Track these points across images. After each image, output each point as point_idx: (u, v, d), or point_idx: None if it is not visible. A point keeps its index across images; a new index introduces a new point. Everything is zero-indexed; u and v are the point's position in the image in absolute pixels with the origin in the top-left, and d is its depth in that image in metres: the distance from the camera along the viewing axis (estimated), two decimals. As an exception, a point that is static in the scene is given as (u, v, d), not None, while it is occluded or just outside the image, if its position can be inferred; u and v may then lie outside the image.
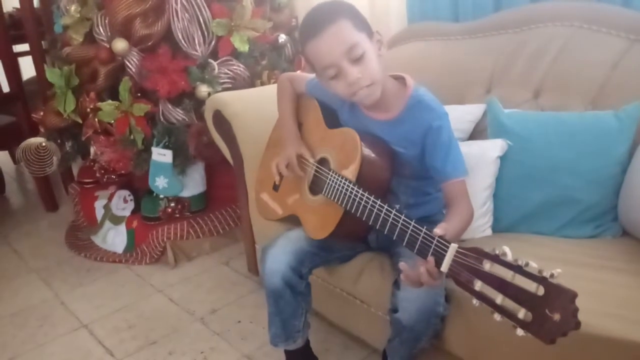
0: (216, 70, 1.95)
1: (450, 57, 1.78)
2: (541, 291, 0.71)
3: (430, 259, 0.91)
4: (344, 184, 1.14)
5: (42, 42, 2.56)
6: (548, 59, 1.53)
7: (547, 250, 1.25)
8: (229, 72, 1.98)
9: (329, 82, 1.13)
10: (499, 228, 1.39)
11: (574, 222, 1.32)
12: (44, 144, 2.22)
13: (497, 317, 0.77)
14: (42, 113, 2.22)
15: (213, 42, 1.96)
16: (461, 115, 1.57)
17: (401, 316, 1.09)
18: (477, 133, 1.57)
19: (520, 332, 0.73)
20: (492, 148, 1.38)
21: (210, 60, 1.96)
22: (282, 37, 2.15)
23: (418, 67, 1.81)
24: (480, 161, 1.37)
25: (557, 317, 0.69)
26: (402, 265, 0.98)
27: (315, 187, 1.29)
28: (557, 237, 1.32)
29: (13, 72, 2.65)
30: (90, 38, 2.01)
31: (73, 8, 1.98)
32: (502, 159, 1.37)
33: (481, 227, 1.38)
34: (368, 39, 1.10)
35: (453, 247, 0.87)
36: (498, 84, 1.64)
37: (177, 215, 2.16)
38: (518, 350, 1.05)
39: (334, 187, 1.17)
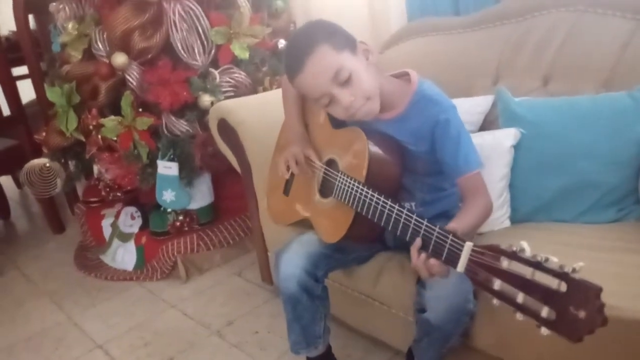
0: (218, 79, 1.93)
1: (453, 51, 1.76)
2: (564, 287, 0.67)
3: (417, 240, 0.92)
4: (353, 185, 1.11)
5: (41, 64, 2.55)
6: (555, 45, 1.51)
7: (568, 237, 1.22)
8: (230, 80, 1.96)
9: (327, 108, 1.12)
10: (517, 218, 1.36)
11: (595, 207, 1.28)
12: (47, 165, 2.21)
13: (519, 316, 0.74)
14: (44, 133, 2.20)
15: (213, 51, 1.94)
16: (469, 108, 1.55)
17: (430, 316, 1.05)
18: (487, 124, 1.54)
19: (544, 331, 0.70)
20: (505, 137, 1.35)
21: (212, 70, 1.94)
22: (282, 43, 2.13)
23: (421, 63, 1.78)
24: (494, 151, 1.34)
25: (582, 314, 0.65)
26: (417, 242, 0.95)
27: (325, 189, 1.26)
28: (578, 223, 1.29)
29: (13, 94, 2.63)
30: (89, 54, 2.00)
31: (70, 25, 1.97)
32: (516, 147, 1.35)
33: (499, 219, 1.35)
34: (352, 55, 1.07)
35: (468, 245, 0.83)
36: (505, 74, 1.61)
37: (186, 229, 2.13)
38: (550, 343, 1.01)
39: (344, 188, 1.14)
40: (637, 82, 1.29)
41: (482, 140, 1.36)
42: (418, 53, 1.86)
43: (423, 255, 0.91)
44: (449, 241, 0.86)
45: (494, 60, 1.64)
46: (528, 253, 0.73)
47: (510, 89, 1.46)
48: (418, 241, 0.92)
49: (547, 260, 0.70)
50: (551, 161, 1.31)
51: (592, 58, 1.44)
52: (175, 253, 2.09)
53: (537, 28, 1.56)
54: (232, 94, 1.95)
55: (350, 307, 1.47)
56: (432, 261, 0.89)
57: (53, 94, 2.04)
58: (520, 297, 0.73)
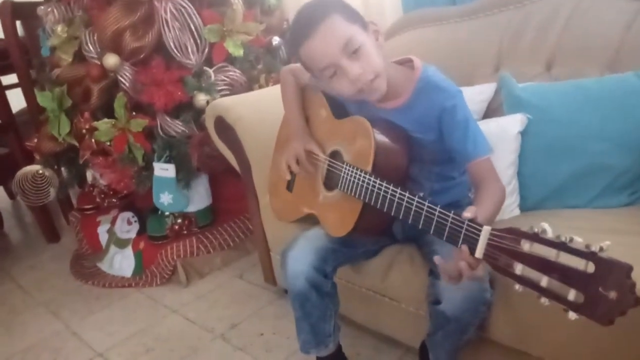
0: (212, 78, 1.89)
1: (452, 41, 1.73)
2: (591, 268, 0.64)
3: (464, 247, 0.83)
4: (360, 175, 1.08)
5: (30, 72, 2.50)
6: (556, 29, 1.49)
7: (581, 222, 1.18)
8: (225, 78, 1.92)
9: (330, 83, 1.07)
10: (527, 206, 1.33)
11: (606, 192, 1.25)
12: (40, 172, 2.15)
13: (544, 301, 0.70)
14: (35, 140, 2.15)
15: (207, 49, 1.90)
16: (472, 96, 1.51)
17: (445, 307, 1.01)
18: (490, 112, 1.52)
19: (572, 315, 0.67)
20: (512, 123, 1.32)
21: (206, 68, 1.90)
22: (276, 40, 2.10)
23: (419, 55, 1.69)
24: (501, 138, 1.31)
25: (612, 294, 0.62)
26: (437, 259, 0.91)
27: (330, 182, 1.23)
28: (590, 209, 1.26)
29: (2, 102, 2.58)
30: (79, 57, 1.95)
31: (59, 28, 1.93)
32: (523, 133, 1.32)
33: (509, 207, 1.32)
34: (363, 30, 1.04)
35: (486, 229, 0.79)
36: (506, 61, 1.59)
37: (185, 232, 2.09)
38: (572, 332, 0.98)
39: (350, 180, 1.11)
40: (641, 64, 1.27)
41: (487, 128, 1.31)
42: (416, 45, 1.82)
43: (465, 247, 0.83)
44: (464, 226, 0.83)
45: (494, 48, 1.62)
46: (550, 234, 0.69)
47: (512, 76, 1.44)
48: (465, 248, 0.83)
49: (571, 240, 0.66)
50: (560, 146, 1.28)
51: (595, 40, 1.41)
52: (175, 257, 2.05)
53: (537, 13, 1.54)
54: (227, 92, 1.91)
55: (358, 305, 1.44)
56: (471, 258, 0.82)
57: (44, 99, 1.99)
58: (544, 281, 0.70)
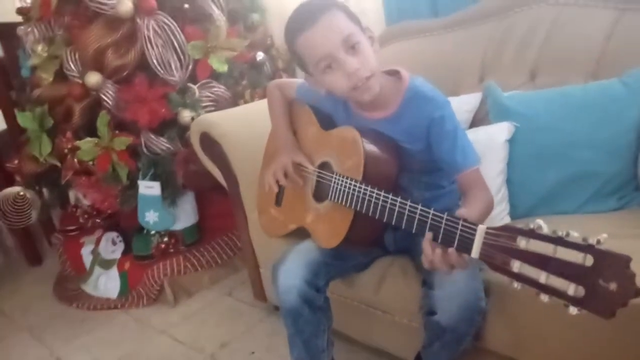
0: (197, 94, 1.88)
1: (436, 52, 1.75)
2: (590, 261, 0.64)
3: (451, 250, 0.83)
4: (350, 184, 1.07)
5: (11, 93, 2.46)
6: (539, 40, 1.51)
7: (572, 227, 1.18)
8: (210, 94, 1.91)
9: (324, 76, 1.06)
10: (517, 214, 1.33)
11: (596, 197, 1.26)
12: (21, 193, 2.10)
13: (543, 298, 0.69)
14: (16, 161, 2.10)
15: (190, 66, 1.89)
16: (457, 106, 1.48)
17: (441, 318, 1.00)
18: (476, 121, 1.52)
19: (573, 310, 0.66)
20: (499, 132, 1.33)
21: (190, 85, 1.89)
22: (260, 55, 2.10)
23: (404, 67, 1.76)
24: (488, 147, 1.32)
25: (613, 286, 0.62)
26: (428, 235, 0.88)
27: (320, 193, 1.22)
28: (581, 214, 1.27)
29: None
30: (60, 76, 1.92)
31: (40, 47, 1.90)
32: (511, 142, 1.32)
33: (498, 216, 1.32)
34: (361, 32, 1.06)
35: (481, 228, 0.79)
36: (490, 72, 1.60)
37: (172, 250, 2.05)
38: (568, 338, 0.98)
39: (340, 189, 1.10)
40: (624, 71, 1.29)
41: (474, 136, 1.32)
42: (400, 57, 1.83)
43: (438, 248, 0.85)
44: (459, 227, 0.82)
45: (478, 59, 1.63)
46: (546, 230, 0.69)
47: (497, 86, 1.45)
48: (428, 235, 0.86)
49: (568, 234, 0.66)
50: (547, 153, 1.29)
51: (578, 50, 1.43)
52: (162, 276, 2.01)
53: (520, 24, 1.56)
54: (212, 108, 1.90)
55: (350, 319, 1.42)
56: (450, 251, 0.83)
57: (24, 119, 1.95)
58: (543, 277, 0.69)
